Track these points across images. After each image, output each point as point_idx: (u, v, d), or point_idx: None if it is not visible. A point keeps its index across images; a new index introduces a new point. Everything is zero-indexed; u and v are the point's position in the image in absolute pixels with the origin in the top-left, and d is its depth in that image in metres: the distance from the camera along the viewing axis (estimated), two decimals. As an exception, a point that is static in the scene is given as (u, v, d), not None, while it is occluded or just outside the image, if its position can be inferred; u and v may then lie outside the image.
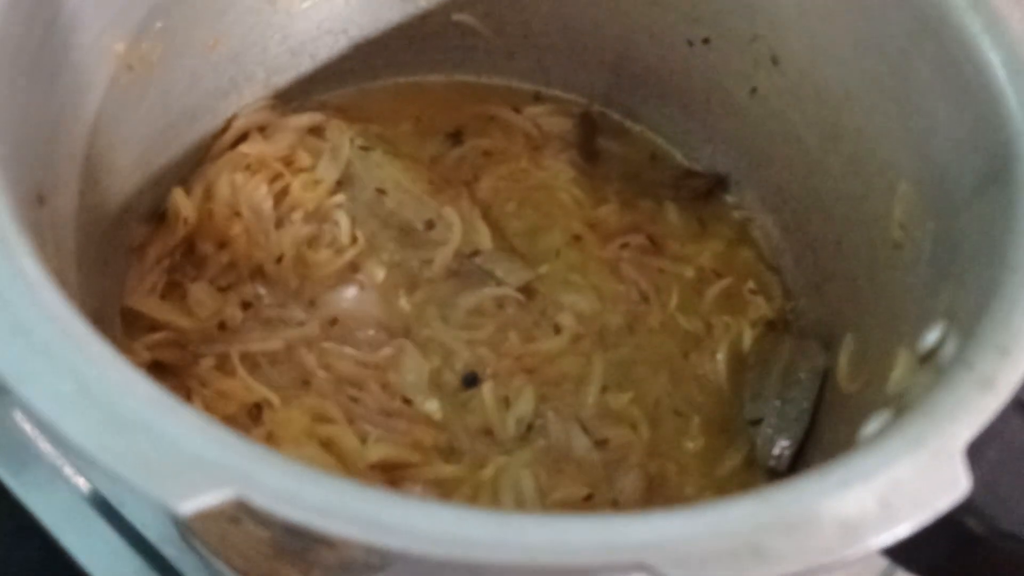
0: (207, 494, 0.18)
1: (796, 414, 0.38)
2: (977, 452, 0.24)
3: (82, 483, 0.40)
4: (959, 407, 0.23)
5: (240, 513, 0.24)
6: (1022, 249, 0.26)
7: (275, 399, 0.36)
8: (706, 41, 0.42)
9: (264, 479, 0.19)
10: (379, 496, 0.19)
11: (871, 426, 0.26)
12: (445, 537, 0.19)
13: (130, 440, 0.19)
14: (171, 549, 0.39)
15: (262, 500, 0.19)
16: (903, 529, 0.20)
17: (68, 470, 0.40)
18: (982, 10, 0.31)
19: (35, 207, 0.27)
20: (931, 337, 0.28)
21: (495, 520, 0.20)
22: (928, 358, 0.28)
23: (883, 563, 0.41)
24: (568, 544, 0.19)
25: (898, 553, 0.26)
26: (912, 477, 0.21)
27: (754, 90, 0.42)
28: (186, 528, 0.34)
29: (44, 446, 0.40)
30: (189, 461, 0.19)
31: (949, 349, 0.27)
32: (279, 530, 0.24)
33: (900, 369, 0.29)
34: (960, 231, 0.30)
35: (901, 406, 0.26)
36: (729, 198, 0.45)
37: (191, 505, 0.18)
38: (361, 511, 0.19)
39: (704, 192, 0.46)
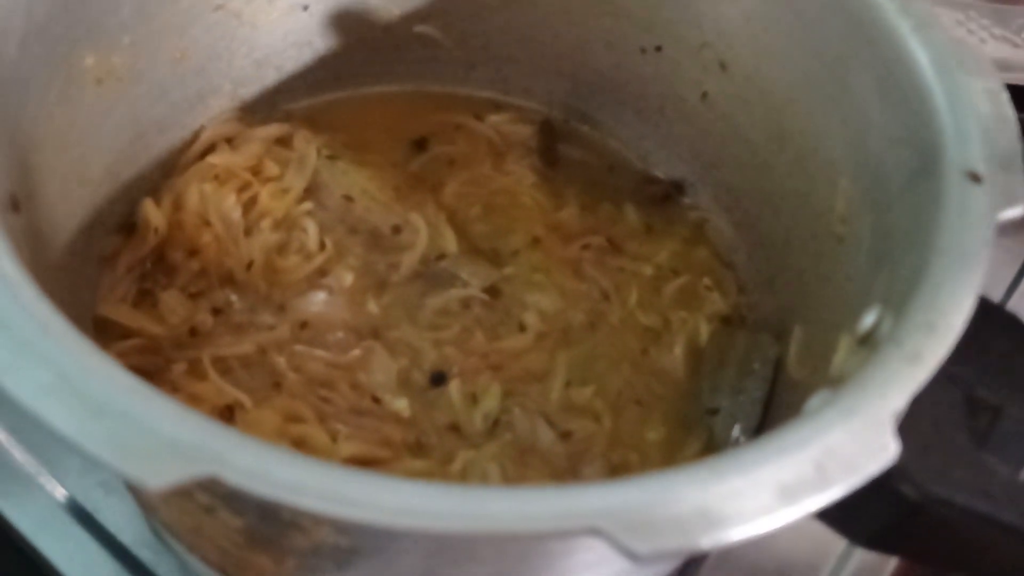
0: (182, 473, 0.19)
1: (751, 403, 0.40)
2: (911, 423, 0.26)
3: (58, 490, 0.40)
4: (889, 380, 0.24)
5: (215, 500, 0.25)
6: (947, 234, 0.28)
7: (247, 401, 0.37)
8: (658, 49, 0.44)
9: (236, 459, 0.20)
10: (345, 473, 0.20)
11: (813, 402, 0.28)
12: (408, 509, 0.20)
13: (108, 425, 0.20)
14: (147, 552, 0.39)
15: (234, 478, 0.20)
16: (836, 491, 0.22)
17: (43, 478, 0.41)
18: (911, 13, 0.33)
19: (10, 212, 0.28)
20: (868, 320, 0.30)
21: (456, 492, 0.21)
22: (866, 340, 0.30)
23: (841, 544, 0.43)
24: (526, 512, 0.21)
25: (840, 522, 0.28)
26: (845, 444, 0.23)
27: (705, 95, 0.44)
28: (162, 525, 0.35)
29: (19, 455, 0.41)
30: (164, 443, 0.20)
31: (884, 330, 0.28)
32: (252, 516, 0.25)
33: (841, 352, 0.31)
34: (894, 222, 0.32)
35: (840, 383, 0.28)
36: (685, 200, 0.47)
37: (166, 483, 0.19)
38: (328, 487, 0.20)
39: (661, 197, 0.47)
